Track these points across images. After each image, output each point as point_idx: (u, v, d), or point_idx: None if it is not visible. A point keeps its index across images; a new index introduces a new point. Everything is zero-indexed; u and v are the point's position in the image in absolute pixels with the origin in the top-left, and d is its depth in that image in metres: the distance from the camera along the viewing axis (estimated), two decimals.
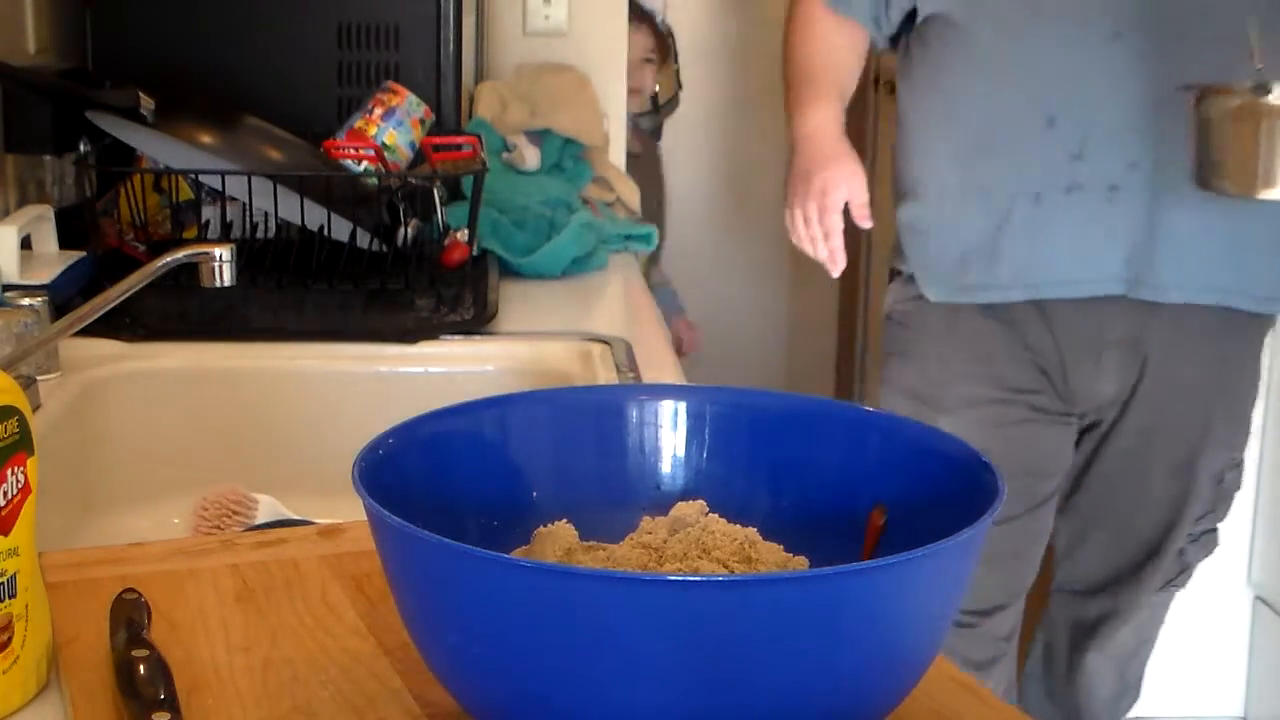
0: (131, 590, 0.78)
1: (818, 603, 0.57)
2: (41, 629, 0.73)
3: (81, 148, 1.56)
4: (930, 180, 1.76)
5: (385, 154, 1.62)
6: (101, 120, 1.53)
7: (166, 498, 1.33)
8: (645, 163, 2.89)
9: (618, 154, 2.34)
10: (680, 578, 0.61)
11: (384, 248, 1.58)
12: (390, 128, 1.71)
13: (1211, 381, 1.79)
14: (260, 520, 1.20)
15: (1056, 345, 1.75)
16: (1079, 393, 1.77)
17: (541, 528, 0.73)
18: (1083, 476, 1.88)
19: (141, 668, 0.69)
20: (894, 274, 1.86)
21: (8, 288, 1.30)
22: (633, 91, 2.61)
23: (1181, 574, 1.91)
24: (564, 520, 0.73)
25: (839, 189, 1.71)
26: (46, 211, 1.48)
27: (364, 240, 1.58)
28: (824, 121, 1.76)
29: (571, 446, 0.78)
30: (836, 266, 1.75)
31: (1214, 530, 1.89)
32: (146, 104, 1.48)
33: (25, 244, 1.41)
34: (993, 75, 1.68)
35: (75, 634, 0.76)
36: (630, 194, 2.19)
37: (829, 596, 0.57)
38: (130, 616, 0.75)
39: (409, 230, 1.59)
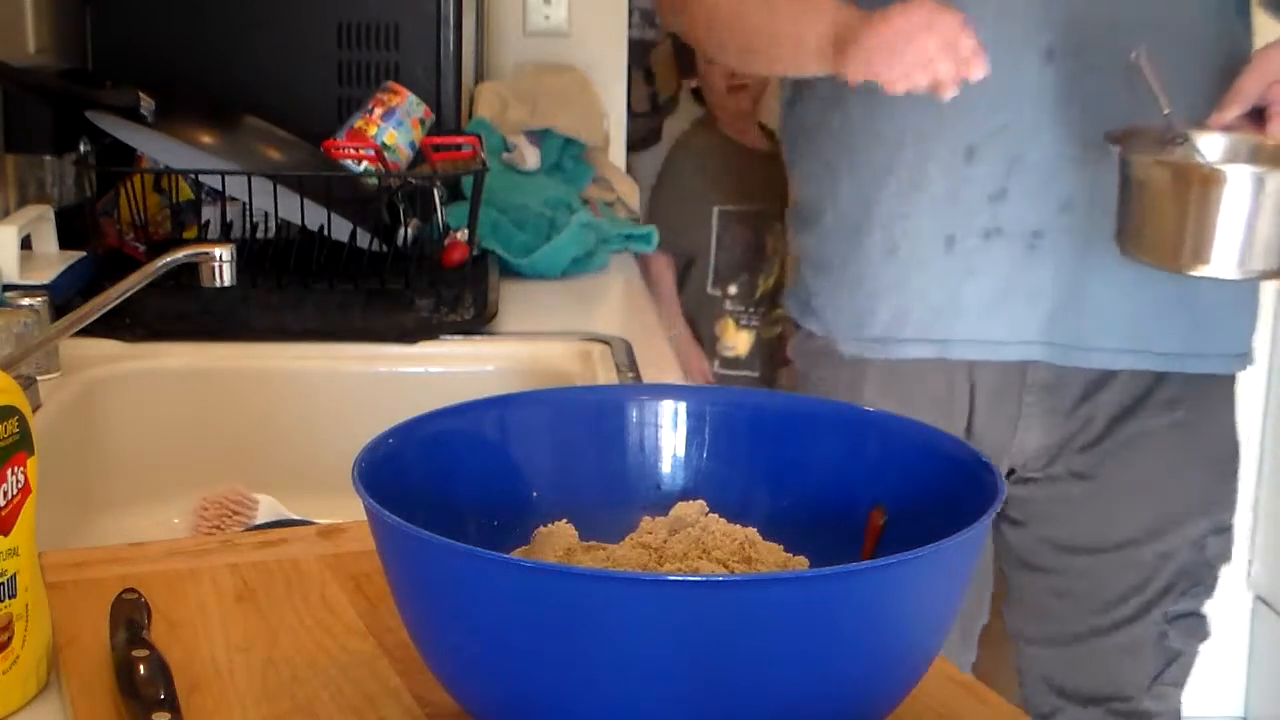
0: (131, 590, 0.78)
1: (818, 603, 0.57)
2: (41, 629, 0.73)
3: (81, 148, 1.56)
4: (829, 208, 1.51)
5: (385, 154, 1.62)
6: (101, 120, 1.53)
7: (166, 498, 1.33)
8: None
9: (618, 154, 2.34)
10: (680, 578, 0.61)
11: (384, 248, 1.58)
12: (390, 128, 1.71)
13: (1168, 440, 1.50)
14: (260, 520, 1.20)
15: (970, 399, 1.50)
16: (995, 448, 1.50)
17: (541, 528, 0.73)
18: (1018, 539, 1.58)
19: (141, 668, 0.69)
20: (794, 322, 1.61)
21: (8, 288, 1.30)
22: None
23: (1171, 666, 1.55)
24: (564, 520, 0.73)
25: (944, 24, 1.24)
26: (46, 211, 1.48)
27: (364, 240, 1.58)
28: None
29: (571, 446, 0.78)
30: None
31: (1199, 615, 1.56)
32: (146, 104, 1.48)
33: (25, 244, 1.41)
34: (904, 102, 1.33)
35: (75, 634, 0.76)
36: (630, 194, 2.19)
37: (829, 596, 0.57)
38: (130, 616, 0.75)
39: (409, 230, 1.59)
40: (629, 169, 2.44)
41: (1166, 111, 1.22)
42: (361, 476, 0.64)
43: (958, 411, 1.50)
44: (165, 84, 1.59)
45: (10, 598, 0.70)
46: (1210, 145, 1.29)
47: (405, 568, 0.63)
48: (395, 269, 1.56)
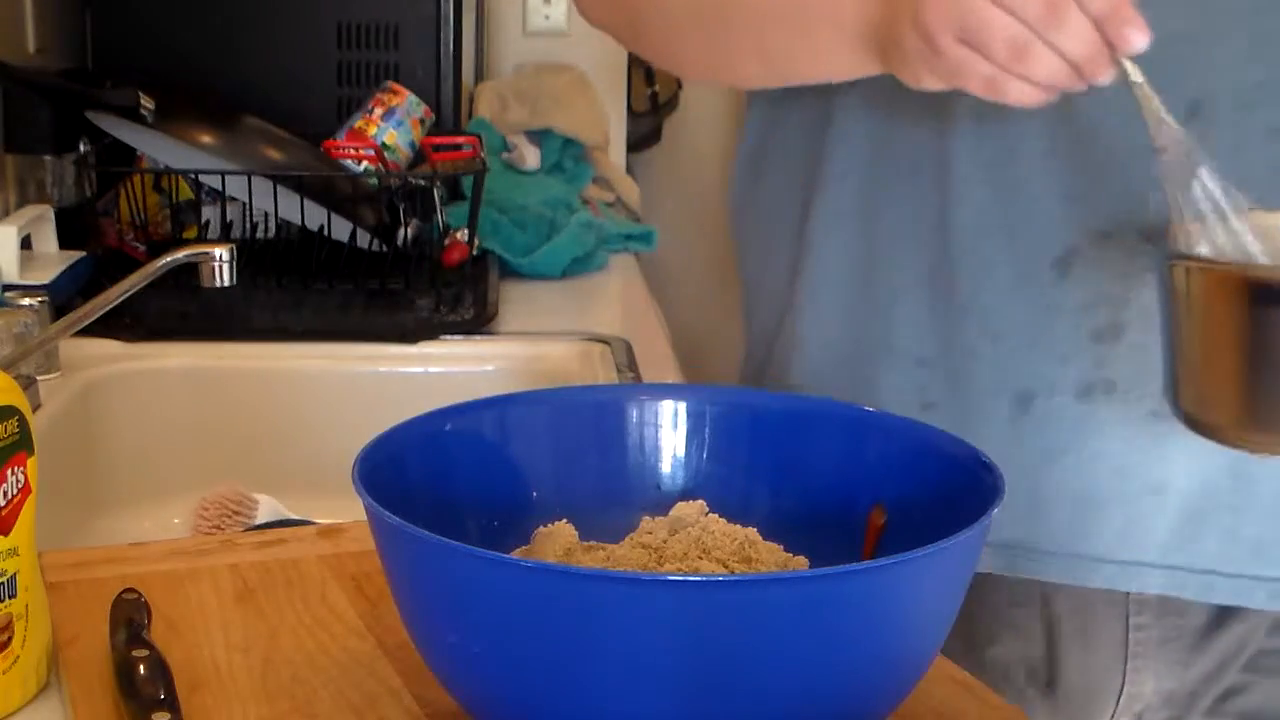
0: (131, 590, 0.78)
1: (817, 603, 0.57)
2: (41, 629, 0.73)
3: (81, 148, 1.56)
4: (817, 326, 0.99)
5: (385, 154, 1.62)
6: (101, 120, 1.53)
7: (166, 498, 1.33)
8: None
9: (618, 154, 2.34)
10: (680, 578, 0.61)
11: (384, 248, 1.58)
12: (390, 128, 1.71)
13: None
14: (260, 520, 1.20)
15: (1048, 623, 0.97)
16: (1096, 692, 0.98)
17: (541, 528, 0.73)
18: None
19: (141, 668, 0.69)
20: None
21: (8, 288, 1.30)
22: None
23: None
24: (564, 520, 0.73)
25: None
26: (46, 211, 1.48)
27: (364, 240, 1.58)
28: None
29: (571, 446, 0.78)
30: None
31: None
32: (146, 104, 1.48)
33: (25, 244, 1.41)
34: (982, 152, 0.90)
35: (75, 634, 0.76)
36: (630, 194, 2.19)
37: (829, 596, 0.57)
38: (130, 616, 0.75)
39: (409, 230, 1.59)
40: (629, 169, 2.44)
41: (1160, 146, 0.76)
42: (361, 476, 0.64)
43: (1031, 637, 0.97)
44: (165, 84, 1.59)
45: (10, 598, 0.70)
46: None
47: (405, 568, 0.63)
48: (395, 269, 1.56)
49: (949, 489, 0.68)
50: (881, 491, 0.73)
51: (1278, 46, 0.85)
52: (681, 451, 0.78)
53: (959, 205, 0.92)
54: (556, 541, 0.72)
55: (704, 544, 0.71)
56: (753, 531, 0.73)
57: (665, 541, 0.72)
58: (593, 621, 0.56)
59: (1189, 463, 0.90)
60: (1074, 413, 0.91)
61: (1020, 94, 0.76)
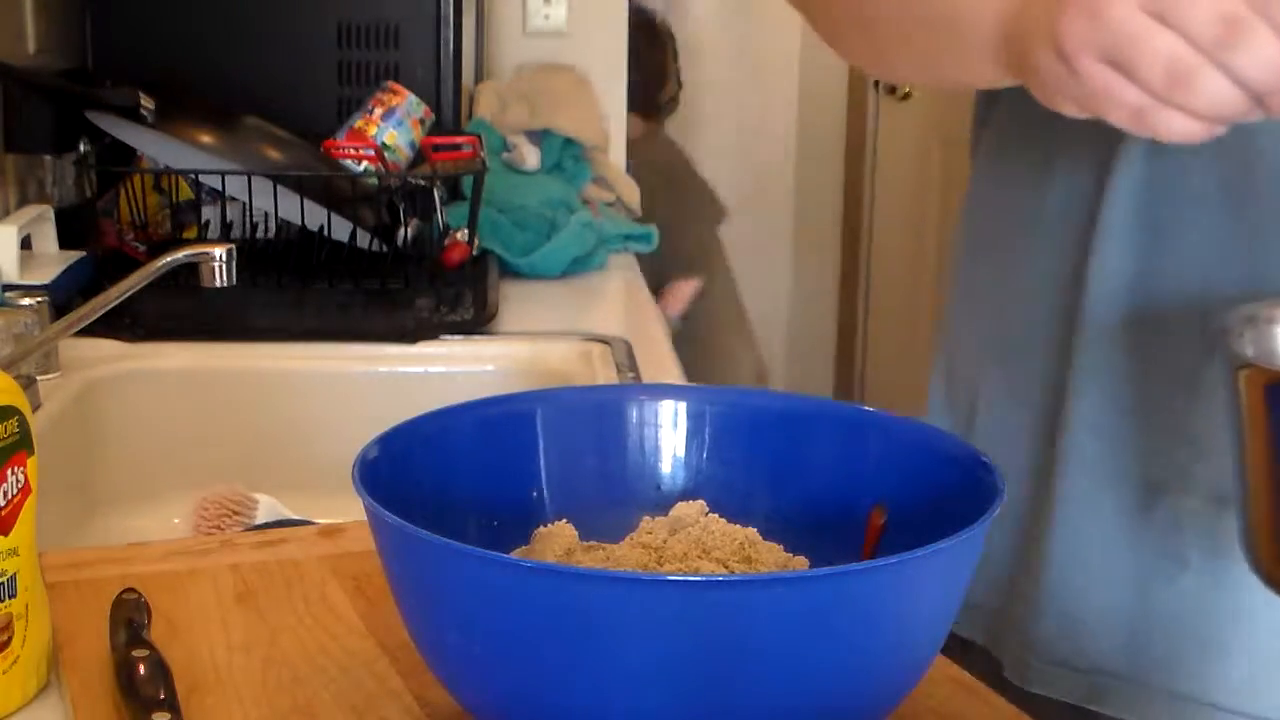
0: (131, 590, 0.78)
1: (818, 603, 0.57)
2: (41, 629, 0.73)
3: (81, 148, 1.56)
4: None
5: (385, 154, 1.62)
6: (101, 120, 1.53)
7: (166, 498, 1.33)
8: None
9: (618, 154, 2.34)
10: (680, 578, 0.60)
11: (384, 248, 1.58)
12: (390, 128, 1.71)
13: None
14: (260, 520, 1.20)
15: None
16: None
17: (541, 528, 0.73)
18: None
19: (141, 668, 0.69)
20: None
21: (8, 288, 1.30)
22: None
23: None
24: (564, 520, 0.73)
25: None
26: (46, 211, 1.48)
27: (364, 240, 1.58)
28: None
29: (571, 446, 0.78)
30: None
31: None
32: (146, 104, 1.48)
33: (25, 244, 1.41)
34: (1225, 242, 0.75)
35: (75, 634, 0.76)
36: (630, 194, 2.19)
37: (829, 596, 0.57)
38: (130, 616, 0.74)
39: (409, 230, 1.59)
40: (629, 169, 2.44)
41: None
42: (362, 476, 0.64)
43: None
44: (165, 84, 1.59)
45: (10, 598, 0.70)
46: None
47: (405, 568, 0.63)
48: (395, 269, 1.56)
49: (949, 489, 0.68)
50: (882, 491, 0.73)
51: None
52: (681, 451, 0.78)
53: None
54: (556, 541, 0.72)
55: (704, 544, 0.71)
56: (753, 532, 0.73)
57: (665, 542, 0.72)
58: (592, 621, 0.56)
59: None
60: (1205, 516, 0.77)
61: (1176, 128, 0.62)
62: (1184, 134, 0.62)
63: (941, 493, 0.69)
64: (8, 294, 1.27)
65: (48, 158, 1.59)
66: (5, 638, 0.70)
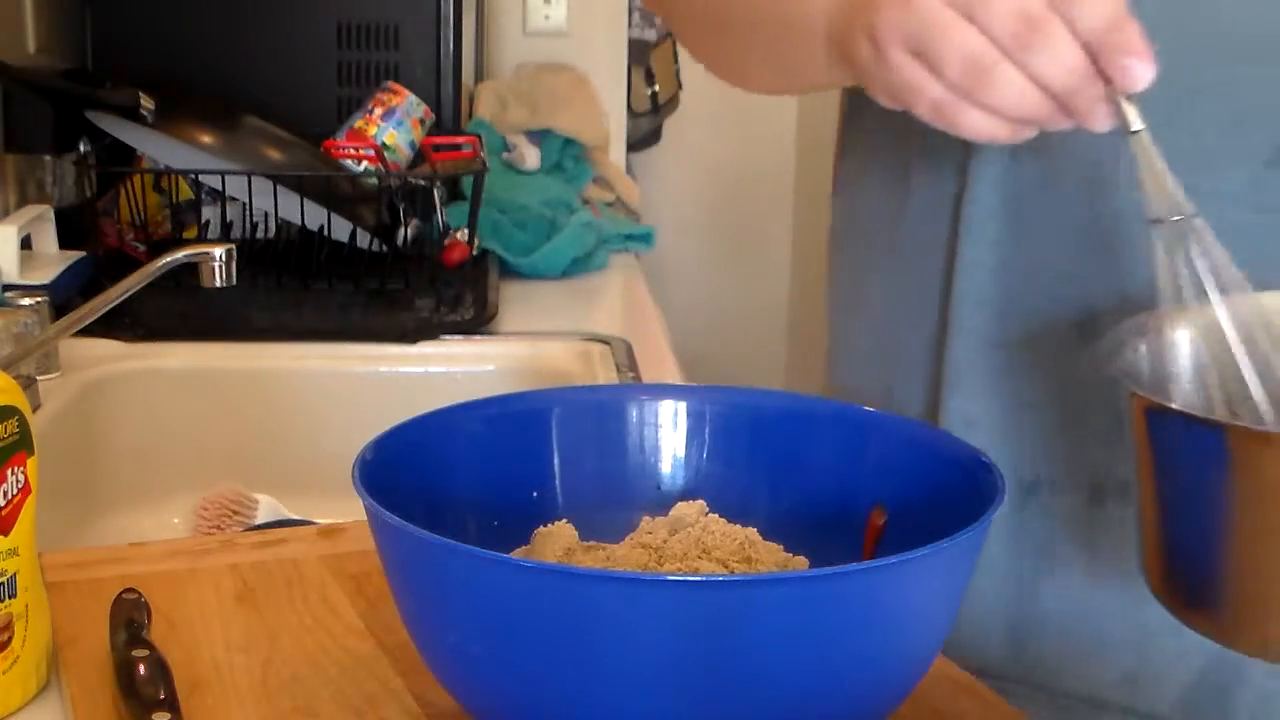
0: (131, 590, 0.78)
1: (817, 602, 0.57)
2: (41, 629, 0.73)
3: (81, 148, 1.56)
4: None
5: (385, 154, 1.62)
6: (101, 120, 1.53)
7: (166, 498, 1.33)
8: None
9: (618, 154, 2.34)
10: (680, 578, 0.60)
11: (384, 248, 1.58)
12: (390, 128, 1.71)
13: None
14: (260, 520, 1.20)
15: None
16: None
17: (541, 528, 0.73)
18: None
19: (141, 668, 0.69)
20: None
21: (8, 288, 1.30)
22: None
23: None
24: (564, 520, 0.73)
25: None
26: (46, 211, 1.48)
27: (364, 240, 1.58)
28: None
29: (571, 446, 0.78)
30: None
31: None
32: (146, 104, 1.48)
33: (25, 244, 1.41)
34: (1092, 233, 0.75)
35: (75, 634, 0.76)
36: (630, 194, 2.19)
37: (829, 596, 0.57)
38: (130, 616, 0.74)
39: (409, 230, 1.59)
40: (629, 169, 2.44)
41: (1154, 218, 0.62)
42: (361, 476, 0.64)
43: None
44: (165, 84, 1.59)
45: (10, 598, 0.70)
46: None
47: (405, 568, 0.63)
48: (395, 269, 1.56)
49: (949, 489, 0.68)
50: (882, 491, 0.73)
51: None
52: (681, 451, 0.78)
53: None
54: (556, 541, 0.72)
55: (704, 544, 0.71)
56: (753, 531, 0.73)
57: (665, 541, 0.72)
58: (592, 622, 0.56)
59: None
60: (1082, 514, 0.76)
61: (976, 125, 0.62)
62: (984, 132, 0.62)
63: (942, 493, 0.69)
64: (8, 294, 1.27)
65: (48, 158, 1.59)
66: (5, 638, 0.70)
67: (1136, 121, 0.61)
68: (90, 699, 0.70)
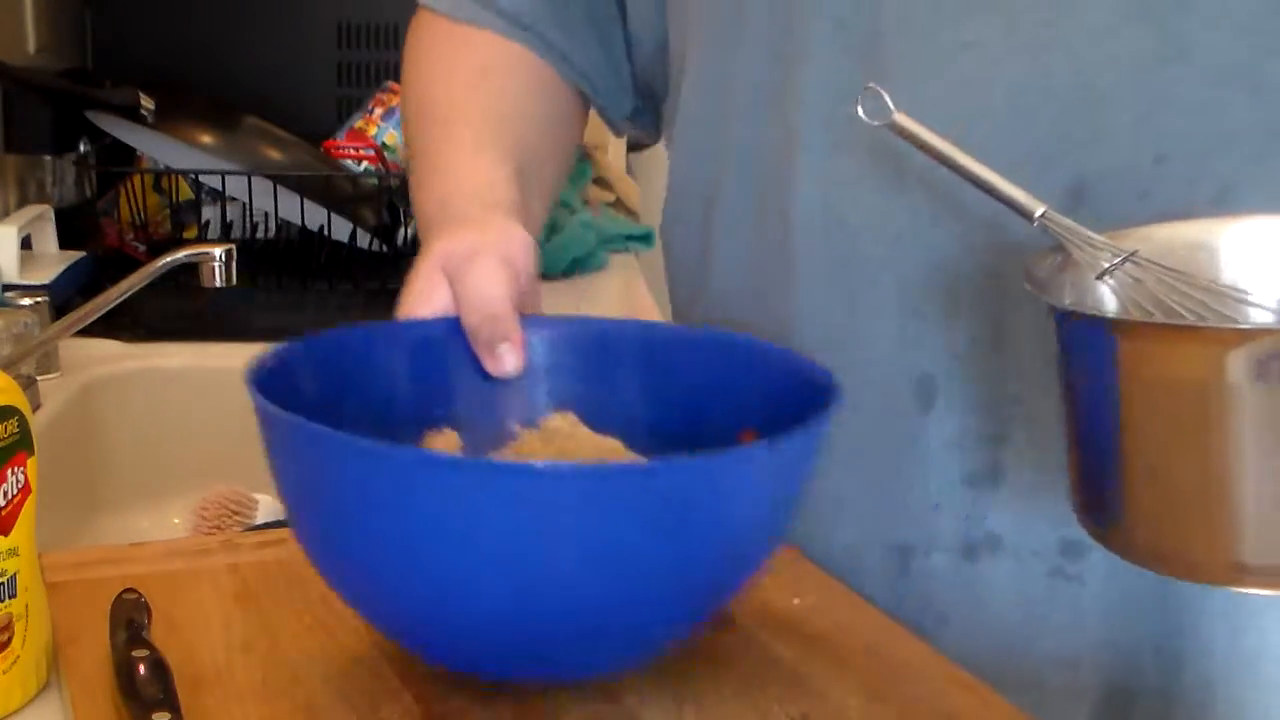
0: (131, 590, 0.78)
1: (647, 493, 0.59)
2: (41, 629, 0.73)
3: (81, 148, 1.56)
4: None
5: (385, 154, 1.62)
6: (101, 120, 1.53)
7: (166, 498, 1.33)
8: None
9: (618, 154, 2.34)
10: (509, 464, 0.65)
11: (384, 248, 1.58)
12: (390, 128, 1.71)
13: None
14: (260, 520, 1.20)
15: None
16: None
17: (429, 432, 0.76)
18: None
19: (141, 668, 0.69)
20: None
21: (8, 288, 1.30)
22: None
23: None
24: (449, 430, 0.76)
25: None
26: (46, 211, 1.48)
27: (364, 240, 1.58)
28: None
29: (458, 368, 0.79)
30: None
31: None
32: (146, 104, 1.48)
33: (25, 244, 1.41)
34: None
35: (75, 634, 0.76)
36: (630, 194, 2.19)
37: (658, 488, 0.59)
38: (130, 616, 0.74)
39: (409, 230, 1.59)
40: (629, 169, 2.44)
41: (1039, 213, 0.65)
42: (254, 378, 0.66)
43: None
44: (165, 84, 1.59)
45: (10, 598, 0.70)
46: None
47: (280, 455, 0.65)
48: (395, 269, 1.56)
49: (809, 409, 0.68)
50: (754, 417, 0.74)
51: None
52: (560, 374, 0.80)
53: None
54: (440, 448, 0.74)
55: (568, 453, 0.74)
56: (618, 443, 0.75)
57: (535, 451, 0.75)
58: (427, 505, 0.58)
59: (1108, 632, 0.73)
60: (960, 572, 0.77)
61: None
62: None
63: (804, 413, 0.69)
64: (8, 294, 1.27)
65: (48, 158, 1.59)
66: (5, 638, 0.70)
67: (1038, 207, 0.65)
68: (90, 699, 0.70)
